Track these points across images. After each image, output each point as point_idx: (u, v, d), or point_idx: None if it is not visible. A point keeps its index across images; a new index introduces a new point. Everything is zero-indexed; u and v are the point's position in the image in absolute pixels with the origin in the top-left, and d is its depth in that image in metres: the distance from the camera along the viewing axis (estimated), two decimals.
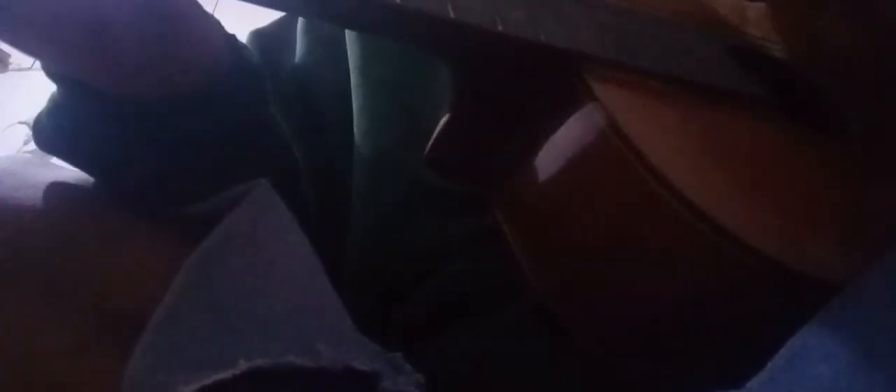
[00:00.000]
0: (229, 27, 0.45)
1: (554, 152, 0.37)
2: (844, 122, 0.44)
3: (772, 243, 0.33)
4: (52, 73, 0.40)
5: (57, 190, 0.41)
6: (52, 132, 0.42)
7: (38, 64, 0.41)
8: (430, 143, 0.39)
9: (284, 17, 0.60)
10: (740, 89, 0.42)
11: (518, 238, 0.38)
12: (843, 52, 0.45)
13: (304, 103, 0.55)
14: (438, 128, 0.39)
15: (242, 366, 0.32)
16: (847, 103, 0.45)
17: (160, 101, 0.40)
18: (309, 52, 0.56)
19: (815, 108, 0.44)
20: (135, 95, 0.39)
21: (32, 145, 0.44)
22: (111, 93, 0.39)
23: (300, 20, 0.58)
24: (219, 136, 0.42)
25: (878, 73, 0.44)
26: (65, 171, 0.43)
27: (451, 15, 0.34)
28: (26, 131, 1.53)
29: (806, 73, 0.45)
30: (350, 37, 0.54)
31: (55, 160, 0.44)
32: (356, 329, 0.37)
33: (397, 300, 0.49)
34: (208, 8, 0.41)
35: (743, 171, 0.38)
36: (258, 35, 0.58)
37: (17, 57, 1.62)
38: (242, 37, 0.59)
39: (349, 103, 0.52)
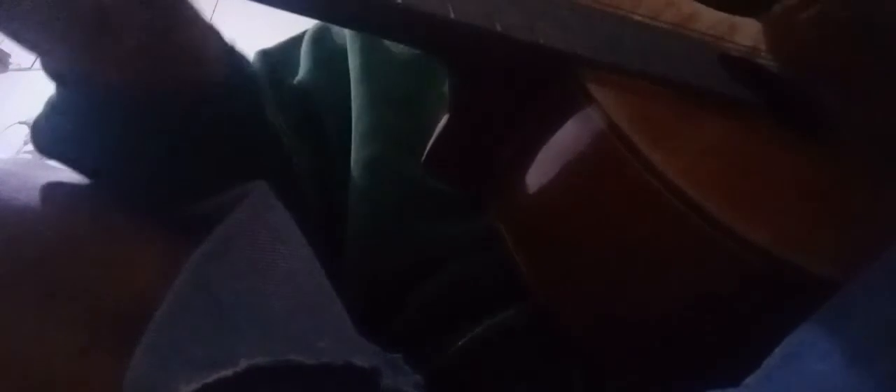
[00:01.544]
0: (229, 24, 0.45)
1: (552, 154, 0.37)
2: (835, 128, 0.44)
3: (772, 240, 0.33)
4: (51, 71, 0.40)
5: (58, 191, 0.41)
6: (49, 134, 0.42)
7: (38, 64, 0.41)
8: (429, 144, 0.39)
9: (290, 38, 0.61)
10: (734, 94, 0.42)
11: (516, 240, 0.38)
12: (832, 63, 0.45)
13: (307, 117, 0.55)
14: (437, 129, 0.39)
15: (243, 364, 0.32)
16: (837, 110, 0.45)
17: (156, 103, 0.40)
18: (312, 69, 0.57)
19: (807, 114, 0.44)
20: (132, 97, 0.40)
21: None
22: (108, 92, 0.39)
23: (305, 40, 0.59)
24: (213, 141, 0.42)
25: (867, 82, 0.44)
26: (66, 172, 0.43)
27: (451, 15, 0.34)
28: (26, 131, 1.53)
29: (796, 82, 0.46)
30: (351, 47, 0.55)
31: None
32: (355, 329, 0.37)
33: (396, 302, 0.49)
34: (208, 6, 0.41)
35: (741, 172, 0.38)
36: (265, 54, 0.59)
37: (17, 57, 1.62)
38: (242, 35, 0.59)
39: (350, 116, 0.53)
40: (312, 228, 0.41)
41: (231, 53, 0.44)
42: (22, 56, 1.60)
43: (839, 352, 0.30)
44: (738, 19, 0.47)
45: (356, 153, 0.52)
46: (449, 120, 0.39)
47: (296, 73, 0.58)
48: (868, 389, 0.28)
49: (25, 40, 0.37)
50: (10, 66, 1.56)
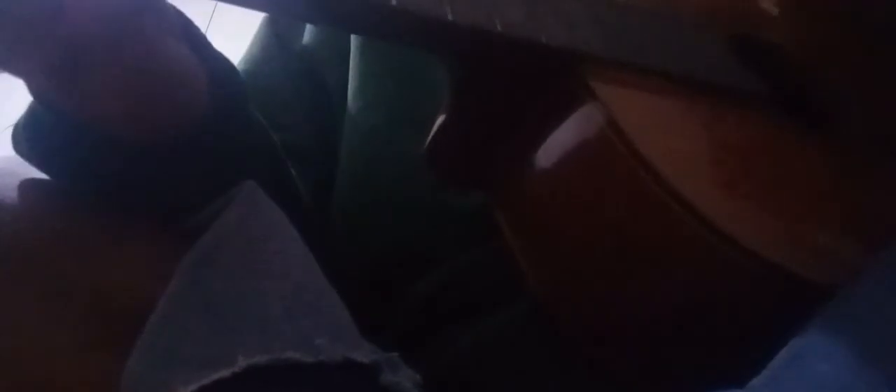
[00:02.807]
0: (230, 22, 0.44)
1: (553, 152, 0.37)
2: (844, 121, 0.44)
3: (770, 246, 0.33)
4: (32, 93, 0.39)
5: (57, 190, 0.41)
6: (25, 145, 0.41)
7: None
8: (428, 142, 0.39)
9: None
10: (741, 86, 0.42)
11: (516, 238, 0.38)
12: (841, 52, 0.45)
13: (313, 83, 0.55)
14: (435, 127, 0.39)
15: (241, 363, 0.32)
16: (847, 102, 0.45)
17: (136, 142, 0.39)
18: (316, 33, 0.56)
19: (815, 105, 0.44)
20: (108, 128, 0.39)
21: None
22: (89, 128, 0.39)
23: None
24: (199, 159, 0.41)
25: (876, 73, 0.44)
26: None
27: (449, 17, 0.34)
28: None
29: (807, 71, 0.46)
30: None
31: None
32: (354, 324, 0.37)
33: (394, 291, 0.49)
34: (206, 12, 0.40)
35: (742, 172, 0.38)
36: (272, 20, 0.58)
37: None
38: (240, 40, 0.60)
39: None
40: (307, 224, 0.41)
41: (212, 70, 0.42)
42: None
43: (843, 352, 0.29)
44: None
45: (352, 121, 0.52)
46: (448, 118, 0.39)
47: (302, 36, 0.57)
48: (875, 390, 0.28)
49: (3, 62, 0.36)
50: None
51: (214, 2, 0.35)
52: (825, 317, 0.31)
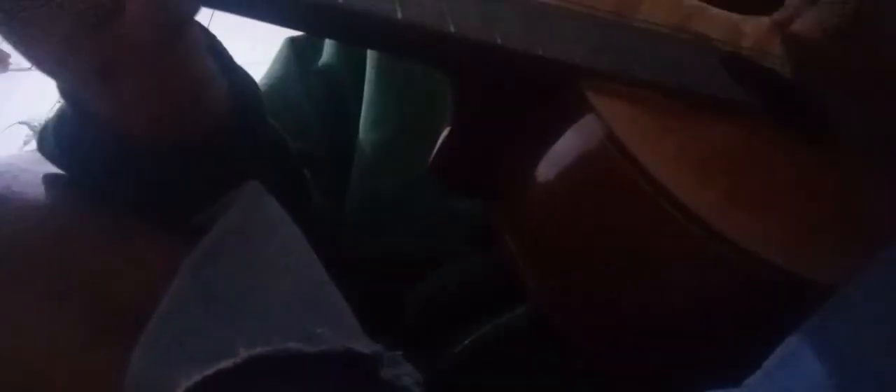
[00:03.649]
0: (228, 25, 0.44)
1: (553, 163, 0.37)
2: (838, 129, 0.44)
3: (769, 248, 0.33)
4: (62, 93, 0.40)
5: (59, 189, 0.41)
6: (53, 145, 0.42)
7: None
8: (433, 155, 0.40)
9: None
10: (735, 98, 0.42)
11: (517, 246, 0.38)
12: (838, 62, 0.45)
13: (332, 99, 0.57)
14: (440, 140, 0.40)
15: (243, 355, 0.32)
16: (846, 104, 0.45)
17: (158, 146, 0.40)
18: (334, 54, 0.58)
19: (813, 109, 0.44)
20: (136, 140, 0.39)
21: (33, 145, 0.44)
22: (115, 131, 0.39)
23: None
24: (217, 165, 0.42)
25: (871, 82, 0.44)
26: None
27: (451, 30, 0.34)
28: (26, 131, 1.52)
29: (801, 82, 0.46)
30: None
31: None
32: (356, 321, 0.37)
33: (397, 293, 0.49)
34: (203, 20, 0.41)
35: (739, 178, 0.38)
36: (292, 41, 0.60)
37: (18, 57, 1.61)
38: (239, 41, 0.60)
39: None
40: (317, 227, 0.41)
41: (233, 81, 0.43)
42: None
43: (839, 352, 0.30)
44: (744, 18, 0.47)
45: (364, 135, 0.53)
46: (451, 131, 0.39)
47: (321, 53, 0.59)
48: (868, 390, 0.28)
49: (40, 66, 0.37)
50: (10, 67, 1.56)
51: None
52: (821, 316, 0.31)
